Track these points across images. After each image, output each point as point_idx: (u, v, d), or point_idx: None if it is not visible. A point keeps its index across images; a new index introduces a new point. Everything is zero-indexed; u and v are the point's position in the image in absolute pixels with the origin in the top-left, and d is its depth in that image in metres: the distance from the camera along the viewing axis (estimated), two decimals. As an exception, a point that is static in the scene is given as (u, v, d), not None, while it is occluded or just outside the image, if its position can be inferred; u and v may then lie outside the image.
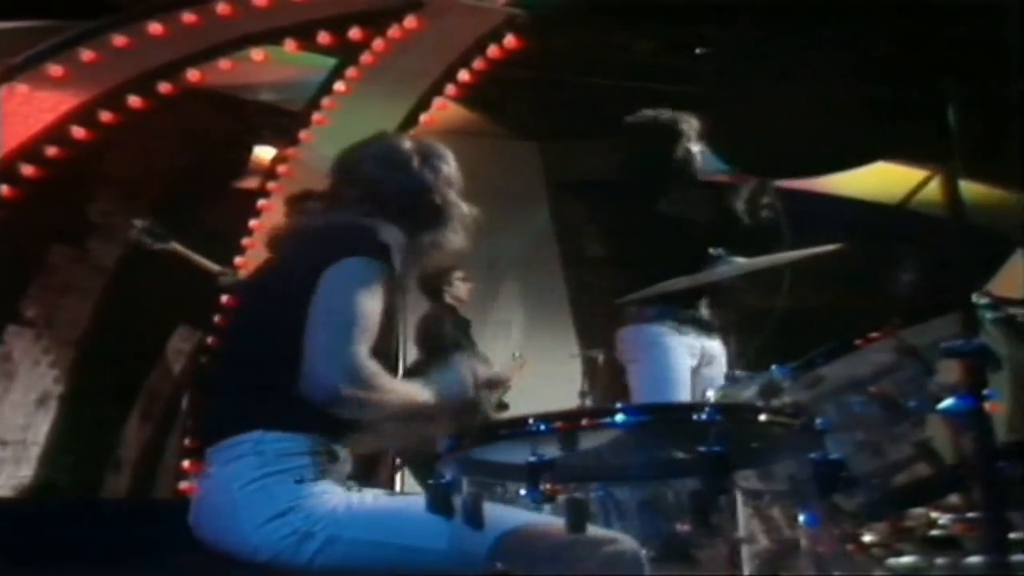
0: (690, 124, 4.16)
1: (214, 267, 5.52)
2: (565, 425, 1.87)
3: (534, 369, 6.81)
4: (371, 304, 2.30)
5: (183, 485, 5.58)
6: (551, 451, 1.90)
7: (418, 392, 2.34)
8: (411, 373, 5.81)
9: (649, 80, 7.20)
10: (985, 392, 1.88)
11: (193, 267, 5.52)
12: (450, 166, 2.64)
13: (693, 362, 4.00)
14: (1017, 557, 1.99)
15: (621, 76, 7.24)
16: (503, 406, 6.16)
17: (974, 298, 2.21)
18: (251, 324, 2.48)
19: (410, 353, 6.30)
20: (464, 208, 2.61)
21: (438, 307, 6.54)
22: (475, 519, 1.97)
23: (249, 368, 2.39)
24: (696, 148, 4.14)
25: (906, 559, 2.33)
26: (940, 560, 2.28)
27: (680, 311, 4.00)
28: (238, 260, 6.02)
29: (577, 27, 6.90)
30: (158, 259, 5.52)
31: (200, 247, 5.72)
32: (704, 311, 4.07)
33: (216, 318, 5.77)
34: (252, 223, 6.12)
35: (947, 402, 2.22)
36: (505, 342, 7.32)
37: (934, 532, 2.40)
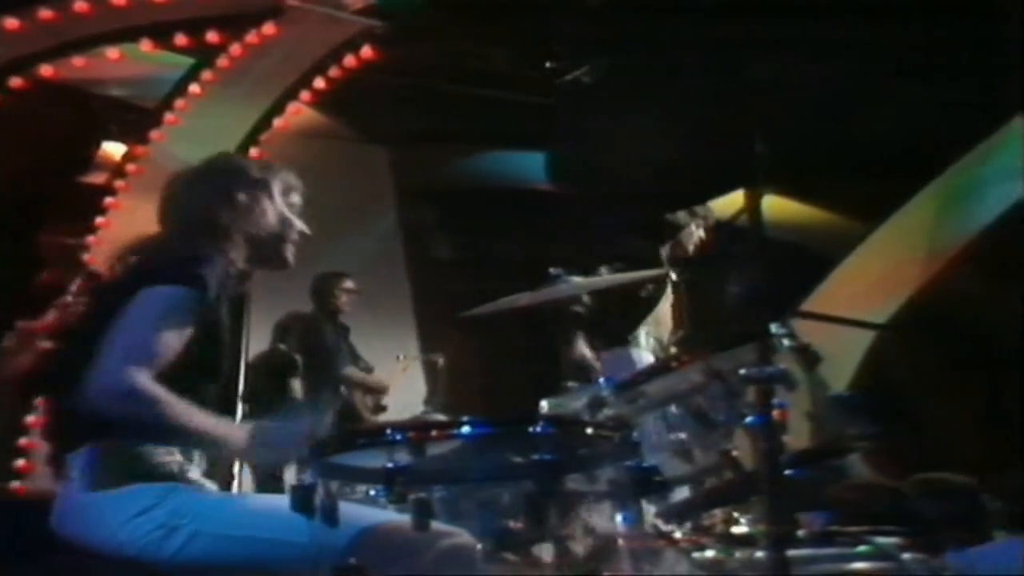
0: None
1: None
2: (417, 435, 2.11)
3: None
4: (167, 331, 2.42)
5: (14, 485, 5.56)
6: (403, 456, 2.14)
7: (213, 426, 2.46)
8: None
9: (501, 89, 7.48)
10: (778, 402, 2.23)
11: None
12: (276, 193, 2.75)
13: None
14: (796, 552, 2.32)
15: (473, 84, 7.48)
16: (381, 408, 6.40)
17: (773, 328, 2.53)
18: (90, 339, 2.54)
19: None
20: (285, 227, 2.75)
21: (319, 313, 6.69)
22: (331, 518, 2.19)
23: None
24: None
25: (709, 553, 2.63)
26: (738, 554, 2.59)
27: None
28: (84, 257, 6.01)
29: (431, 34, 7.10)
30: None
31: (44, 244, 5.70)
32: None
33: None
34: (98, 220, 6.11)
35: (749, 418, 2.54)
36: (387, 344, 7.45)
37: (734, 530, 2.72)
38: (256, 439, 2.48)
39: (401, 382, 6.61)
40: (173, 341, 2.43)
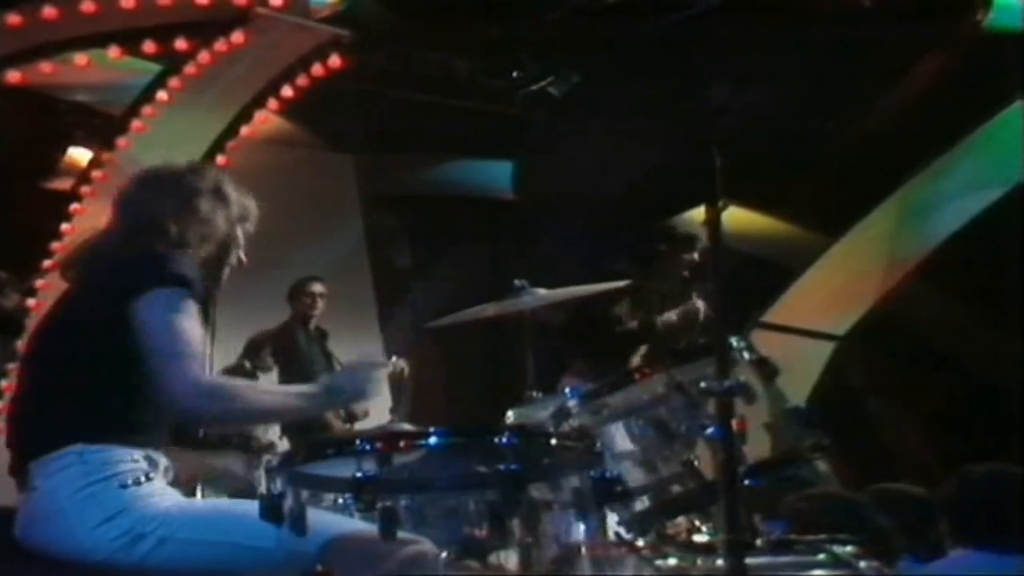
0: None
1: None
2: (386, 446, 2.15)
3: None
4: (195, 328, 2.49)
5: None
6: (371, 465, 2.17)
7: (286, 394, 2.64)
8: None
9: (466, 98, 7.53)
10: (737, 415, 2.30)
11: None
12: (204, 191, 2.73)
13: None
14: (755, 560, 2.38)
15: (439, 93, 7.53)
16: (353, 417, 6.38)
17: (733, 342, 2.60)
18: (60, 350, 2.59)
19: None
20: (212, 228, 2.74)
21: (293, 320, 6.70)
22: (299, 526, 2.23)
23: (62, 390, 2.52)
24: None
25: (671, 561, 2.69)
26: (699, 562, 2.65)
27: None
28: (46, 263, 5.99)
29: (398, 43, 7.14)
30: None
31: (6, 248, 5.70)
32: None
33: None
34: (63, 227, 6.08)
35: (710, 430, 2.60)
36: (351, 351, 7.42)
37: (695, 538, 2.78)
38: (329, 389, 2.60)
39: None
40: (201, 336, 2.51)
